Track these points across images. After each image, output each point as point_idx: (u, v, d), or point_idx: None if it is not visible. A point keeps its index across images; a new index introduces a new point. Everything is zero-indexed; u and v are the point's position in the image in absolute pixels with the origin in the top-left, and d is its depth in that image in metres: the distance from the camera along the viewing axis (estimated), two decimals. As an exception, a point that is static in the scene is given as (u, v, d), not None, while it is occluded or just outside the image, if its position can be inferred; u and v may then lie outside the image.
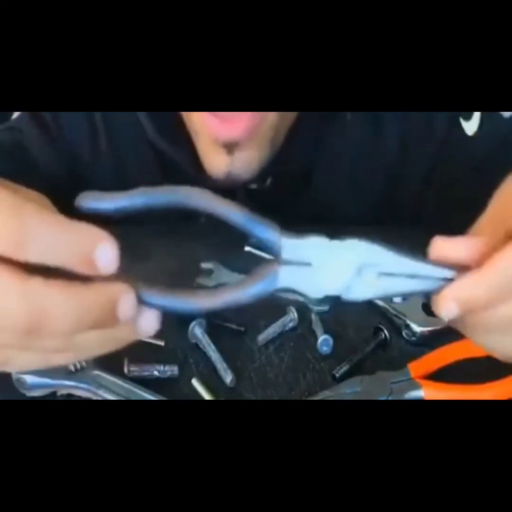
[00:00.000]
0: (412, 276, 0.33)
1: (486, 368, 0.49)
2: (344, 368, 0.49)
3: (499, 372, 0.46)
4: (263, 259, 0.33)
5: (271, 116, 0.58)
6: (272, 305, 0.56)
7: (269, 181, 0.70)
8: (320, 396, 0.46)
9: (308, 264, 0.32)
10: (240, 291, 0.32)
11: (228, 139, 0.58)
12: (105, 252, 0.29)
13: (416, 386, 0.46)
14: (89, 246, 0.29)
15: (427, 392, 0.46)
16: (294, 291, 0.33)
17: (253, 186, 0.69)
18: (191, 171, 0.64)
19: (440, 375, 0.48)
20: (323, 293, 0.33)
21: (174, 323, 0.54)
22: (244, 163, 0.60)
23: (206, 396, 0.47)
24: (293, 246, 0.32)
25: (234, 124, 0.56)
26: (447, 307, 0.33)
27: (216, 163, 0.60)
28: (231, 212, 0.32)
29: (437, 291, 0.33)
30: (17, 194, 0.28)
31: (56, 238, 0.28)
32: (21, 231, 0.27)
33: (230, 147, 0.58)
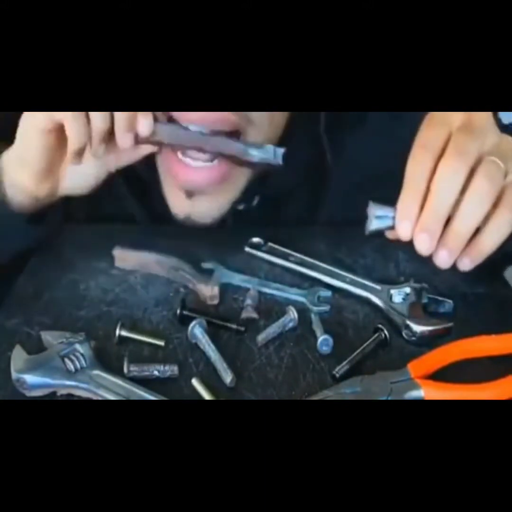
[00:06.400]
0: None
1: (486, 368, 0.49)
2: (344, 368, 0.49)
3: (499, 372, 0.46)
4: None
5: (239, 168, 0.59)
6: (272, 305, 0.56)
7: (256, 200, 0.70)
8: (320, 396, 0.46)
9: None
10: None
11: (188, 187, 0.60)
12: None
13: (416, 386, 0.46)
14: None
15: (427, 392, 0.46)
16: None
17: (241, 207, 0.68)
18: (159, 208, 0.65)
19: (440, 375, 0.48)
20: None
21: (174, 323, 0.54)
22: (203, 209, 0.62)
23: (206, 396, 0.47)
24: None
25: (198, 173, 0.58)
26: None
27: (177, 205, 0.62)
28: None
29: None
30: None
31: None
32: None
33: (189, 192, 0.60)
